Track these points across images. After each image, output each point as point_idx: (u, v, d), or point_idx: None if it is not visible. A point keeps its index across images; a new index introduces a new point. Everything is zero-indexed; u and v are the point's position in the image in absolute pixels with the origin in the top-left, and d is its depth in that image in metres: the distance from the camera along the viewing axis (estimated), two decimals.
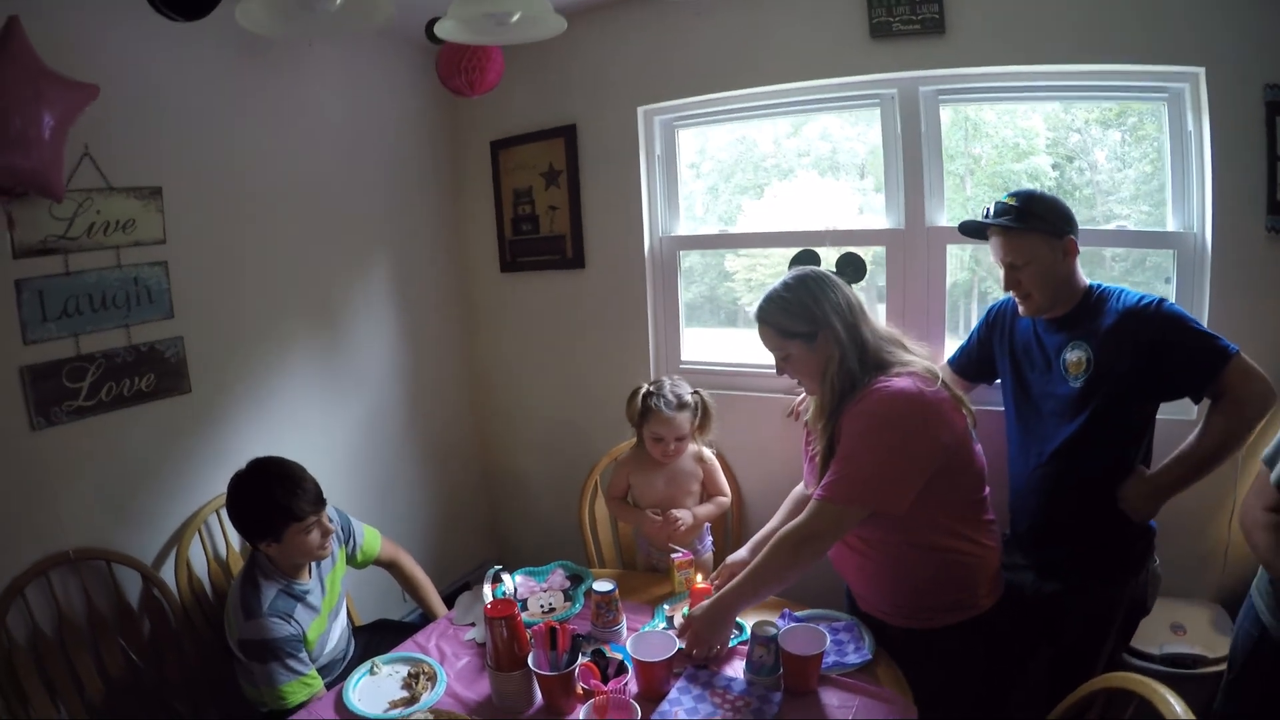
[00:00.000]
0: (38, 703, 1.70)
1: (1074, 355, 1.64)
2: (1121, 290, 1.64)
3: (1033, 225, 1.60)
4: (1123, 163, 2.13)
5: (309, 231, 2.34)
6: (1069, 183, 2.16)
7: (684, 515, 1.98)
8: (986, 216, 1.68)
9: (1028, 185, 2.01)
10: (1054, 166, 2.17)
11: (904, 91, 2.08)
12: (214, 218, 2.05)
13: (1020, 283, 1.65)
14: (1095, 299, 1.65)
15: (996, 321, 1.86)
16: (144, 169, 1.87)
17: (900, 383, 1.44)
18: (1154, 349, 1.54)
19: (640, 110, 2.47)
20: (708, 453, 2.10)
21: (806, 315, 1.54)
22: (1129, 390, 1.58)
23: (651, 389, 1.97)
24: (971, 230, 1.72)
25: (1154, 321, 1.55)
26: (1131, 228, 2.05)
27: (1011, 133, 2.21)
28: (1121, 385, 1.57)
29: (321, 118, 2.37)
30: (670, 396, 1.95)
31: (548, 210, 2.69)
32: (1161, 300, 1.58)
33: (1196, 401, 1.65)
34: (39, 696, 1.70)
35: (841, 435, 1.48)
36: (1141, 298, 1.60)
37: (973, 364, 1.93)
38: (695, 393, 2.02)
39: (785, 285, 1.59)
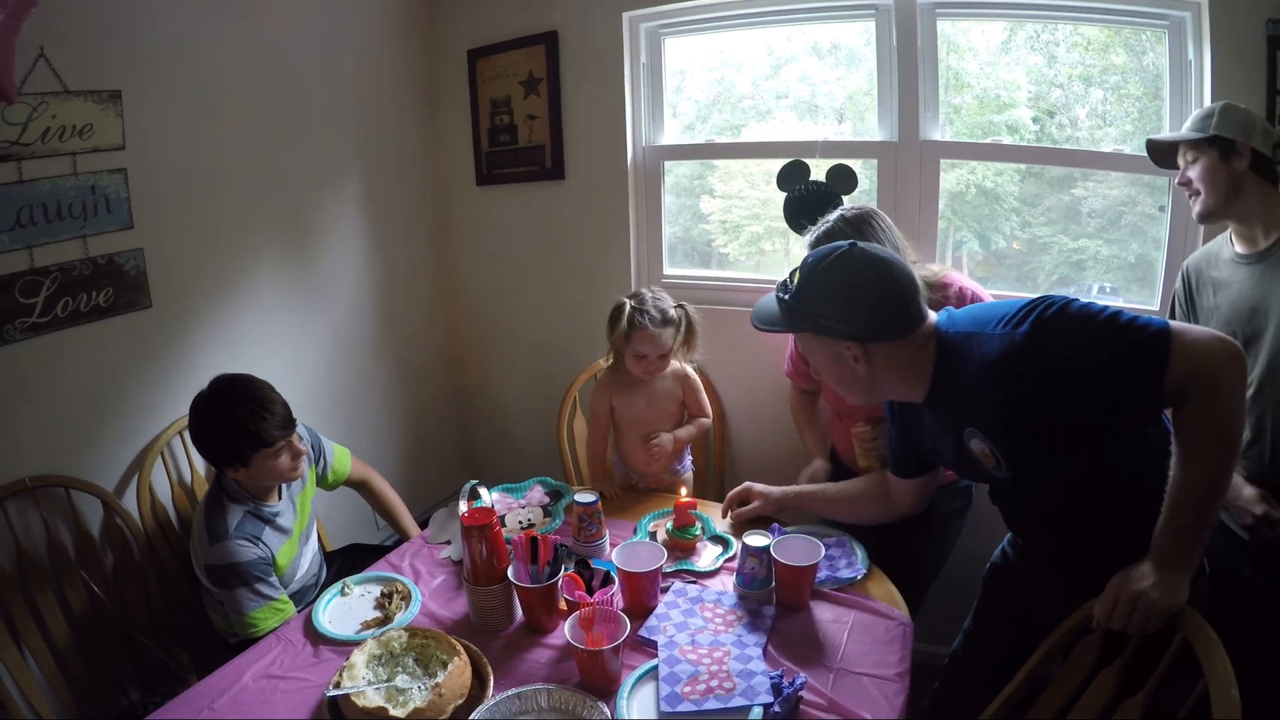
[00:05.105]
0: None
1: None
2: None
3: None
4: (1103, 121, 2.13)
5: (277, 141, 2.25)
6: (1049, 137, 2.15)
7: (664, 439, 1.92)
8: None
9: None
10: (1034, 120, 2.17)
11: (900, 4, 2.03)
12: (176, 124, 1.95)
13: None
14: None
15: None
16: (102, 72, 1.77)
17: (967, 281, 1.68)
18: None
19: (626, 16, 2.40)
20: (690, 371, 2.02)
21: None
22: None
23: (634, 304, 1.86)
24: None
25: None
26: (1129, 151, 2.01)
27: (993, 84, 2.19)
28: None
29: (290, 23, 2.27)
30: (654, 312, 1.84)
31: (526, 120, 2.62)
32: None
33: None
34: (0, 637, 1.62)
35: None
36: None
37: None
38: (679, 306, 1.91)
39: (846, 223, 1.59)
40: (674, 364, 1.97)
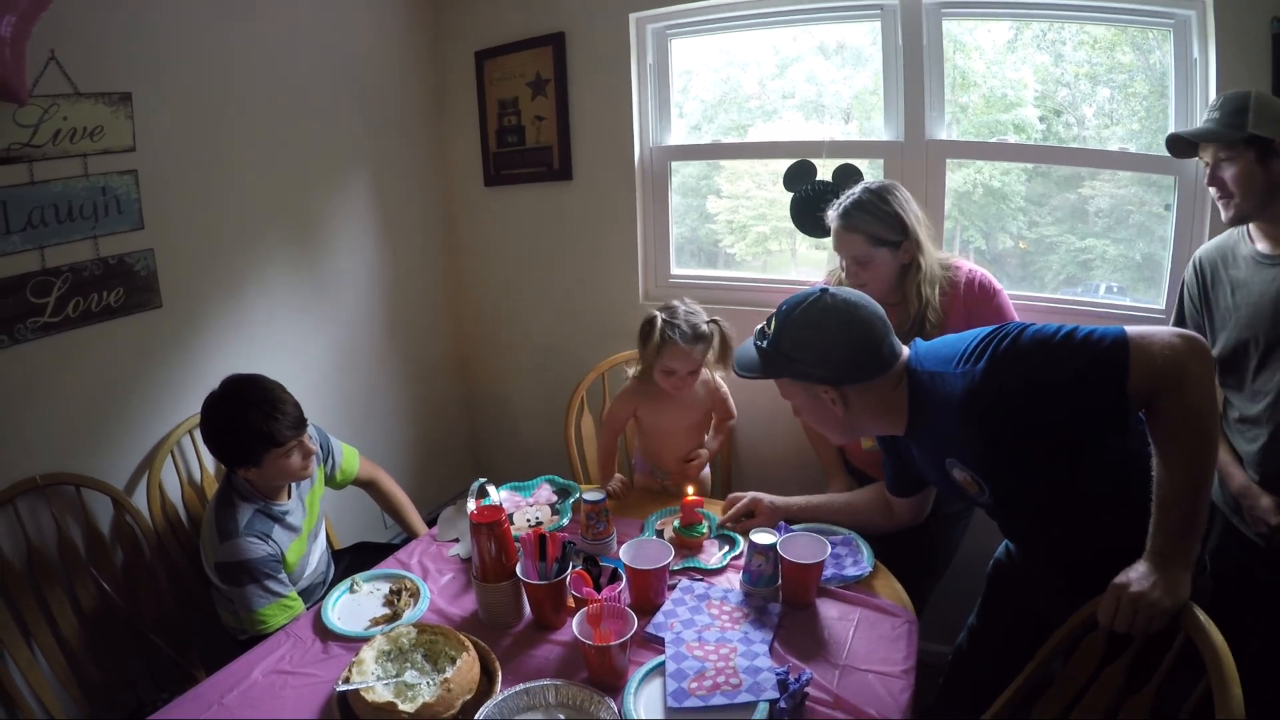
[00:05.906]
0: (10, 642, 1.63)
1: None
2: None
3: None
4: (1110, 119, 2.12)
5: (285, 142, 2.27)
6: (1055, 136, 2.15)
7: (703, 456, 1.93)
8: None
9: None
10: (1041, 119, 2.17)
11: (906, 3, 2.03)
12: (186, 126, 1.97)
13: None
14: None
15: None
16: (113, 74, 1.78)
17: (975, 268, 1.72)
18: None
19: (633, 18, 2.41)
20: (720, 383, 1.96)
21: (899, 225, 1.65)
22: None
23: (665, 317, 1.77)
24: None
25: None
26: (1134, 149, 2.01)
27: (999, 83, 2.19)
28: None
29: (299, 26, 2.29)
30: (686, 327, 1.76)
31: (534, 121, 2.63)
32: None
33: None
34: (11, 635, 1.63)
35: (977, 315, 1.65)
36: None
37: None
38: (712, 321, 1.82)
39: (872, 194, 1.66)
40: (703, 374, 1.90)
